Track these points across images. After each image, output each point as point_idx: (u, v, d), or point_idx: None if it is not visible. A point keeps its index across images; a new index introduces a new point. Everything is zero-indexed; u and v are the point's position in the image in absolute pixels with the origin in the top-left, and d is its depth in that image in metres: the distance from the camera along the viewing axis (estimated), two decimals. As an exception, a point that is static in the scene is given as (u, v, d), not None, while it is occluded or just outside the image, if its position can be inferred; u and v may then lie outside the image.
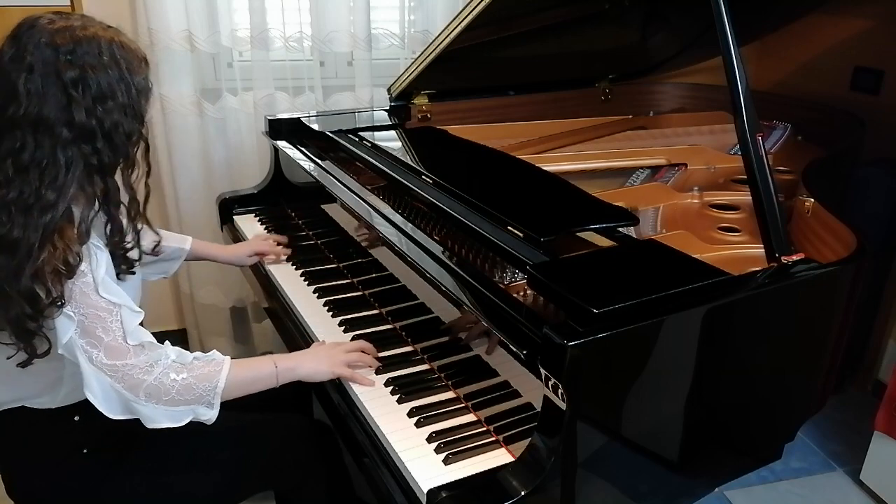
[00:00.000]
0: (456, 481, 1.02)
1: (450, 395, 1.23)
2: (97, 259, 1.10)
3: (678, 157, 1.92)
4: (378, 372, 1.29)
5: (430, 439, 1.11)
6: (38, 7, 1.93)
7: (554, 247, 1.18)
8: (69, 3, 2.06)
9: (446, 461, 1.07)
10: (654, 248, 1.19)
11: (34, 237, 1.04)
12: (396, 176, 1.56)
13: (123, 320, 1.09)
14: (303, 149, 1.89)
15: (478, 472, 1.04)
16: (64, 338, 1.07)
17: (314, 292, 1.58)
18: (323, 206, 1.81)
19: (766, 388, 1.25)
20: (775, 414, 1.30)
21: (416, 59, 1.94)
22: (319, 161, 1.81)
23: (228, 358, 1.19)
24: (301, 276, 1.66)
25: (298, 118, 1.99)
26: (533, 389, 1.06)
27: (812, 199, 1.45)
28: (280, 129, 1.97)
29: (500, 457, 1.08)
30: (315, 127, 1.92)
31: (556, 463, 0.96)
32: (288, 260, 1.73)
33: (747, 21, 1.47)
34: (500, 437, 1.11)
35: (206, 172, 2.33)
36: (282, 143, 1.94)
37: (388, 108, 2.10)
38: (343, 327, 1.44)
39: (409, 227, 1.41)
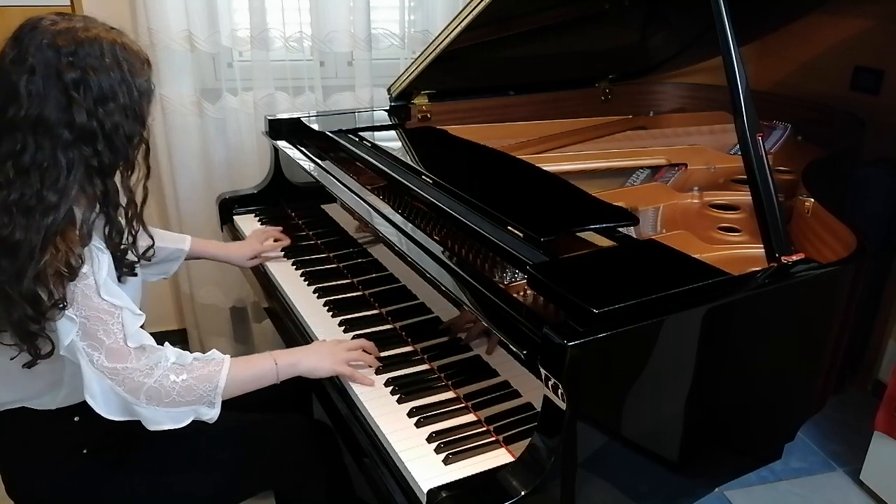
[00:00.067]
0: (456, 481, 1.02)
1: (450, 395, 1.23)
2: (99, 261, 1.10)
3: (678, 157, 1.92)
4: (378, 372, 1.29)
5: (430, 439, 1.11)
6: (38, 7, 1.93)
7: (554, 247, 1.18)
8: (69, 3, 2.06)
9: (446, 461, 1.07)
10: (654, 248, 1.19)
11: (36, 239, 1.03)
12: (396, 176, 1.55)
13: (125, 323, 1.09)
14: (303, 149, 1.89)
15: (478, 472, 1.04)
16: (66, 340, 1.07)
17: (314, 292, 1.58)
18: (323, 206, 1.81)
19: (766, 388, 1.25)
20: (775, 414, 1.30)
21: (416, 59, 1.94)
22: (319, 161, 1.81)
23: (228, 357, 1.19)
24: (301, 276, 1.66)
25: (298, 118, 1.99)
26: (533, 389, 1.06)
27: (812, 199, 1.45)
28: (280, 129, 1.97)
29: (500, 457, 1.08)
30: (315, 127, 1.92)
31: (556, 463, 0.96)
32: (288, 259, 1.73)
33: (747, 21, 1.47)
34: (500, 437, 1.11)
35: (206, 172, 2.33)
36: (282, 143, 1.94)
37: (388, 108, 2.10)
38: (343, 327, 1.44)
39: (409, 227, 1.41)
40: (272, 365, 1.22)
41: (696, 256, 1.17)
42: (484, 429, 1.14)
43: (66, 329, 1.07)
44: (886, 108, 2.17)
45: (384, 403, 1.21)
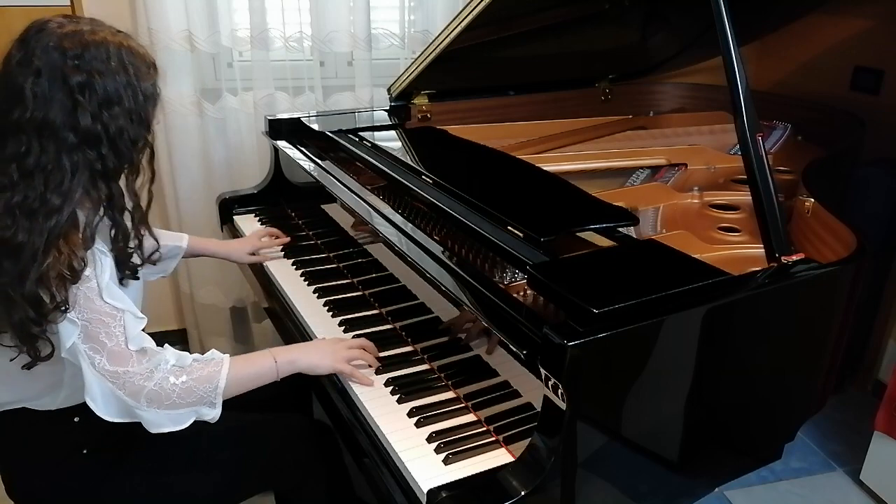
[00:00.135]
0: (456, 481, 1.02)
1: (450, 395, 1.23)
2: (102, 264, 1.10)
3: (678, 157, 1.92)
4: (378, 372, 1.29)
5: (430, 439, 1.11)
6: (38, 7, 1.94)
7: (554, 247, 1.18)
8: (69, 4, 2.06)
9: (446, 461, 1.07)
10: (654, 248, 1.19)
11: (39, 242, 1.03)
12: (396, 176, 1.56)
13: (126, 326, 1.09)
14: (303, 149, 1.89)
15: (478, 472, 1.04)
16: (67, 342, 1.07)
17: (314, 292, 1.58)
18: (323, 206, 1.81)
19: (766, 388, 1.25)
20: (775, 414, 1.30)
21: (416, 59, 1.94)
22: (319, 161, 1.81)
23: (227, 356, 1.19)
24: (301, 275, 1.66)
25: (298, 118, 1.99)
26: (533, 389, 1.06)
27: (812, 199, 1.45)
28: (280, 129, 1.97)
29: (500, 457, 1.08)
30: (315, 127, 1.92)
31: (556, 463, 0.96)
32: (288, 259, 1.74)
33: (747, 21, 1.47)
34: (500, 437, 1.11)
35: (206, 172, 2.33)
36: (282, 143, 1.94)
37: (388, 108, 2.10)
38: (343, 327, 1.44)
39: (409, 227, 1.41)
40: (272, 362, 1.22)
41: (696, 256, 1.17)
42: (484, 429, 1.14)
43: (68, 332, 1.07)
44: (886, 108, 2.17)
45: (384, 403, 1.21)
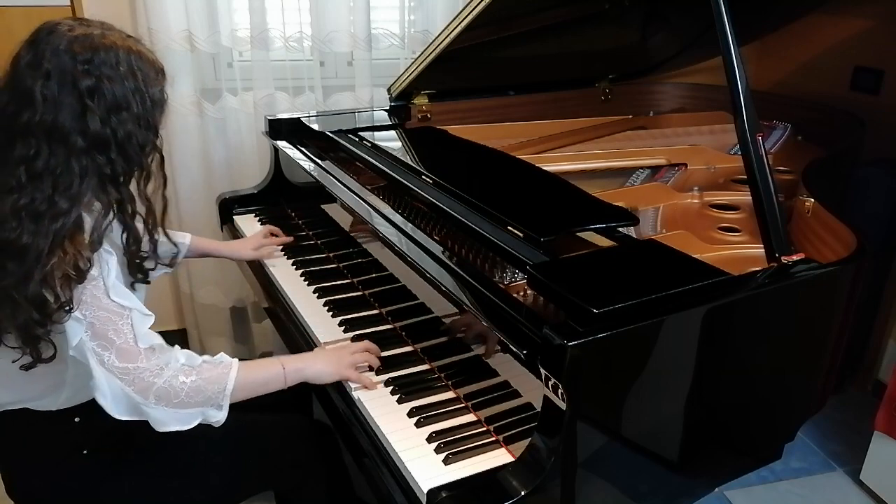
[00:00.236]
0: (456, 481, 1.02)
1: (450, 395, 1.23)
2: (108, 264, 1.10)
3: (678, 157, 1.92)
4: (378, 372, 1.29)
5: (430, 439, 1.11)
6: (38, 7, 1.93)
7: (554, 247, 1.18)
8: (69, 4, 2.06)
9: (446, 461, 1.07)
10: (654, 248, 1.19)
11: (43, 244, 1.03)
12: (396, 176, 1.56)
13: (134, 323, 1.10)
14: (303, 149, 1.89)
15: (478, 472, 1.04)
16: (74, 340, 1.07)
17: (314, 292, 1.58)
18: (323, 206, 1.81)
19: (766, 388, 1.25)
20: (775, 414, 1.30)
21: (416, 59, 1.94)
22: (319, 161, 1.81)
23: (237, 360, 1.19)
24: (301, 276, 1.66)
25: (298, 118, 1.99)
26: (533, 389, 1.06)
27: (812, 199, 1.45)
28: (280, 129, 1.97)
29: (500, 457, 1.08)
30: (315, 127, 1.92)
31: (556, 463, 0.96)
32: (288, 259, 1.74)
33: (747, 21, 1.47)
34: (500, 437, 1.11)
35: (206, 172, 2.33)
36: (282, 143, 1.94)
37: (388, 108, 2.10)
38: (343, 327, 1.44)
39: (409, 227, 1.41)
40: (280, 370, 1.22)
41: (696, 256, 1.17)
42: (484, 429, 1.14)
43: (74, 330, 1.07)
44: (886, 108, 2.17)
45: (384, 403, 1.21)
